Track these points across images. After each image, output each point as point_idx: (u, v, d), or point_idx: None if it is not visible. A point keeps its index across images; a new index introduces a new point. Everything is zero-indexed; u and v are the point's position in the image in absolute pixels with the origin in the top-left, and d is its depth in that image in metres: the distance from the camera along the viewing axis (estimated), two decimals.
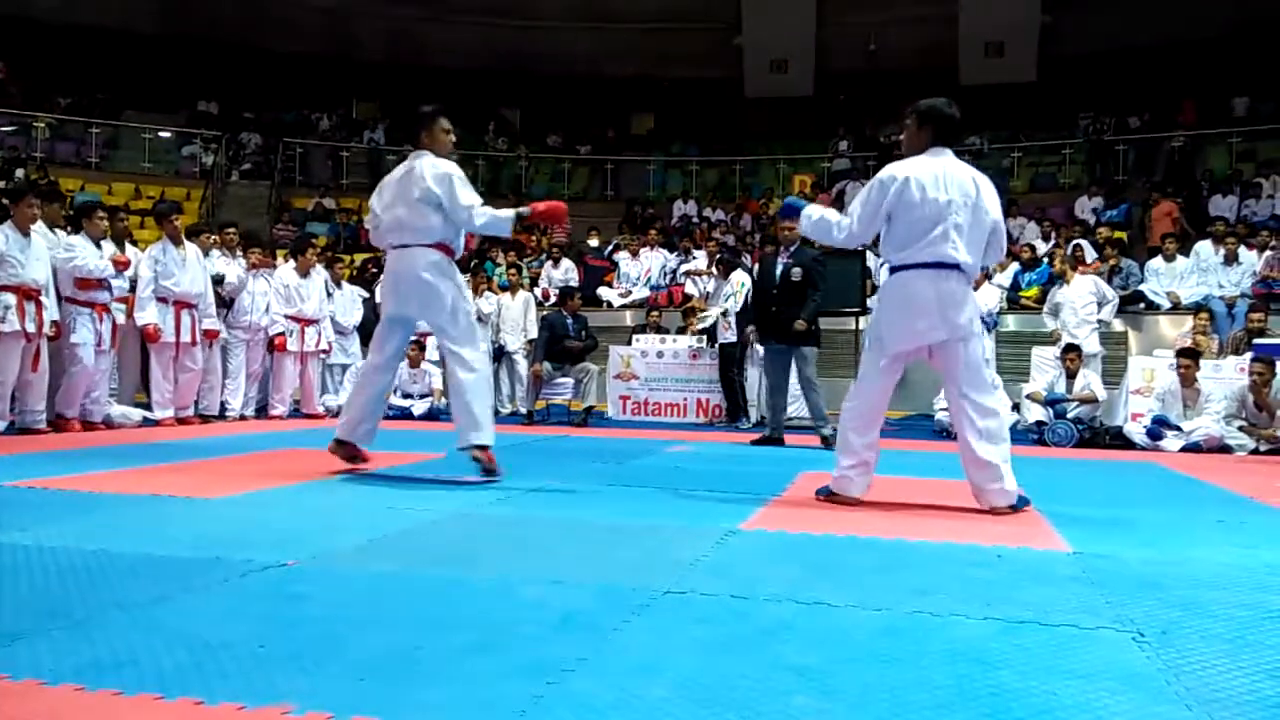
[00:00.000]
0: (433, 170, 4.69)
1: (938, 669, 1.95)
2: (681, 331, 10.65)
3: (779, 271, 7.27)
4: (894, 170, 4.13)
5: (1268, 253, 10.87)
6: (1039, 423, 8.29)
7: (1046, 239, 13.48)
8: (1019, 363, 10.08)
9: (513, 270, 11.36)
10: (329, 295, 9.47)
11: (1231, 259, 10.94)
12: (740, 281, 9.34)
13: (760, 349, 9.72)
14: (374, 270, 11.81)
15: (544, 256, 14.24)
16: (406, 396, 9.51)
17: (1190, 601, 2.55)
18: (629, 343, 10.51)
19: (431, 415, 9.21)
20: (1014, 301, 11.92)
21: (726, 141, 19.79)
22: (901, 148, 4.40)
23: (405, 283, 4.75)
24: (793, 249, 7.29)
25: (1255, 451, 7.37)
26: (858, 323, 10.03)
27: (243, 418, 8.56)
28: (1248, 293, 10.44)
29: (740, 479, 5.17)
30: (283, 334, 8.87)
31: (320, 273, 9.42)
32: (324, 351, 9.36)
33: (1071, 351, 8.55)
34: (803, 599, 2.49)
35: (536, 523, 3.67)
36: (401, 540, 3.28)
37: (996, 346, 9.80)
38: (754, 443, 7.33)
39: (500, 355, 10.61)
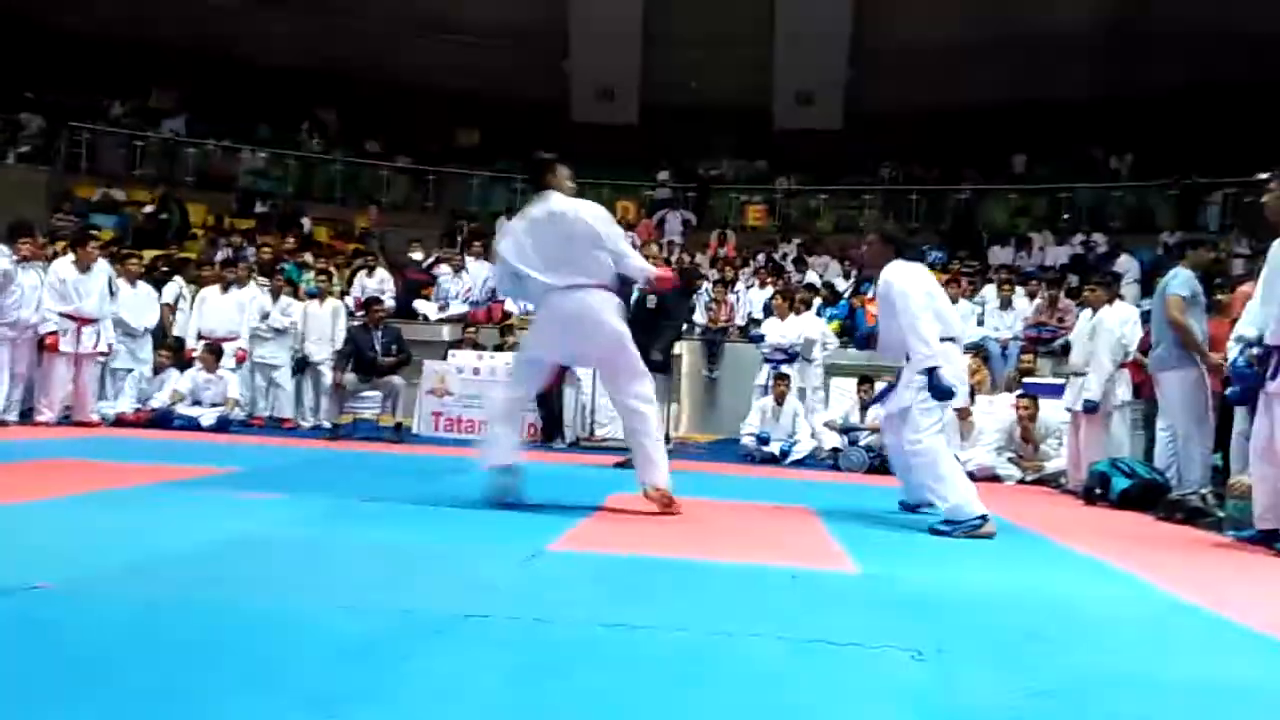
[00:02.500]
0: (591, 211, 4.67)
1: (733, 690, 1.98)
2: (499, 348, 10.51)
3: (634, 298, 7.35)
4: None
5: (1038, 300, 11.98)
6: (834, 449, 8.73)
7: (846, 277, 14.30)
8: (818, 392, 10.59)
9: (322, 277, 10.86)
10: (112, 293, 8.69)
11: (1006, 304, 11.98)
12: None
13: (578, 370, 9.74)
14: (164, 269, 10.98)
15: (359, 265, 13.73)
16: (196, 404, 8.87)
17: (963, 622, 2.73)
18: (445, 358, 10.27)
19: (221, 426, 8.62)
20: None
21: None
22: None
23: (586, 323, 4.59)
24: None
25: (1022, 481, 8.05)
26: (674, 347, 10.27)
27: (3, 423, 7.69)
28: (1019, 335, 11.46)
29: (552, 499, 5.12)
30: (55, 333, 8.07)
31: (104, 268, 8.64)
32: (103, 354, 8.58)
33: (865, 383, 9.08)
34: (606, 621, 2.47)
35: (331, 544, 3.49)
36: (178, 563, 3.02)
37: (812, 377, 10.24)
38: (616, 465, 7.22)
39: (304, 366, 10.10)
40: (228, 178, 18.09)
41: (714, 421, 11.80)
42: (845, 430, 8.89)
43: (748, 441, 9.03)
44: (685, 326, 11.41)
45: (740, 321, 12.64)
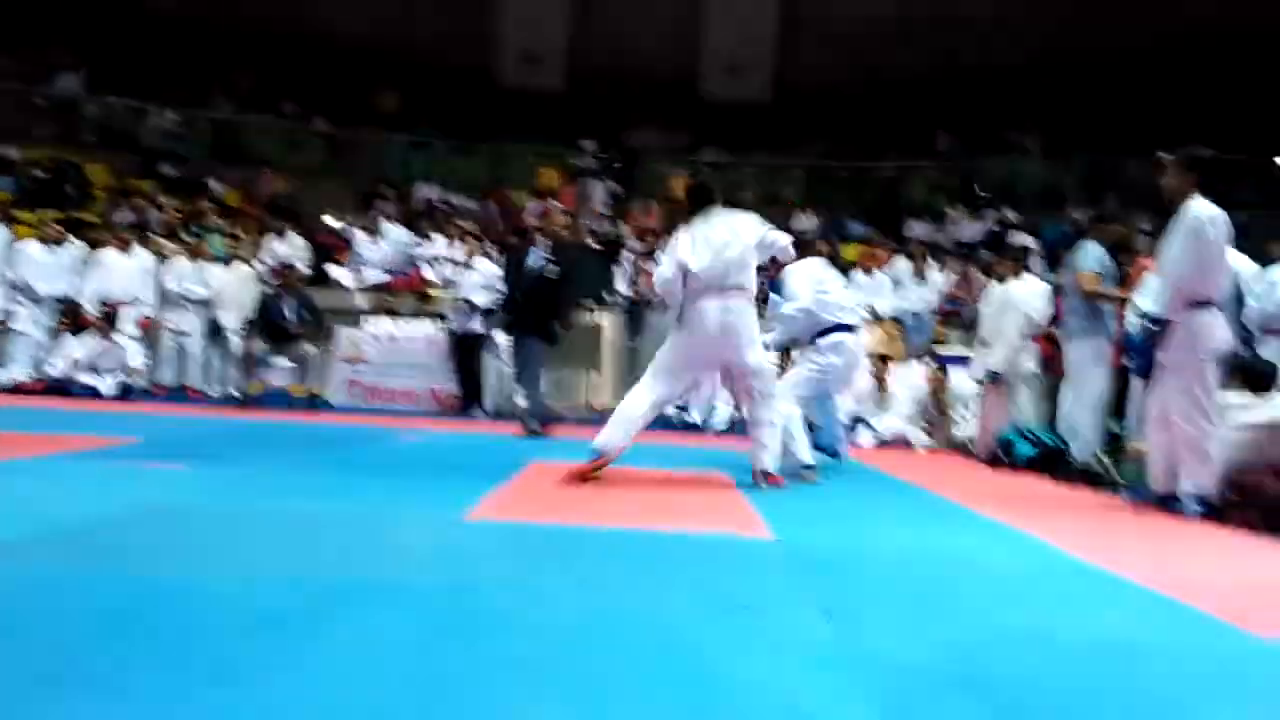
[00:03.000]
0: (760, 228, 5.14)
1: (650, 654, 2.00)
2: (417, 316, 10.34)
3: (537, 267, 7.31)
4: None
5: (951, 273, 12.30)
6: None
7: None
8: None
9: (233, 241, 10.50)
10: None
11: (922, 277, 12.27)
12: None
13: (500, 340, 9.66)
14: (60, 231, 10.45)
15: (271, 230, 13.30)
16: (92, 370, 8.51)
17: (873, 583, 2.80)
18: (359, 325, 10.05)
19: (123, 395, 8.29)
20: None
21: (477, 129, 19.47)
22: None
23: (733, 330, 4.87)
24: (549, 245, 7.43)
25: (933, 447, 8.29)
26: (595, 316, 10.26)
27: None
28: (934, 307, 11.76)
29: (472, 468, 5.10)
30: None
31: None
32: None
33: (783, 353, 9.20)
34: (523, 589, 2.47)
35: (241, 515, 3.39)
36: (78, 535, 2.90)
37: None
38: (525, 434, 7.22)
39: (215, 332, 9.78)
40: (132, 137, 17.30)
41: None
42: None
43: (669, 410, 9.08)
44: (608, 297, 11.38)
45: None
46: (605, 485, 4.74)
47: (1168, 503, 4.69)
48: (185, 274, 9.73)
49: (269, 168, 17.20)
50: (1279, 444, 4.57)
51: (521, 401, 7.53)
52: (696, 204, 5.33)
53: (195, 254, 9.95)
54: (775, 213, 17.52)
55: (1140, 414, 5.55)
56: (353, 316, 10.85)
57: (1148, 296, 5.64)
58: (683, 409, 9.00)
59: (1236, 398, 4.74)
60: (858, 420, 8.48)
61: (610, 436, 4.80)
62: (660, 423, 9.00)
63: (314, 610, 2.17)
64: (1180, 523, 4.44)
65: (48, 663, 1.75)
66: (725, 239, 4.95)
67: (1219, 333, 4.65)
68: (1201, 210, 4.59)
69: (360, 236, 13.43)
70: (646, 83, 19.27)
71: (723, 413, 9.04)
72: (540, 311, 7.22)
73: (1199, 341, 4.58)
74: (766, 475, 4.88)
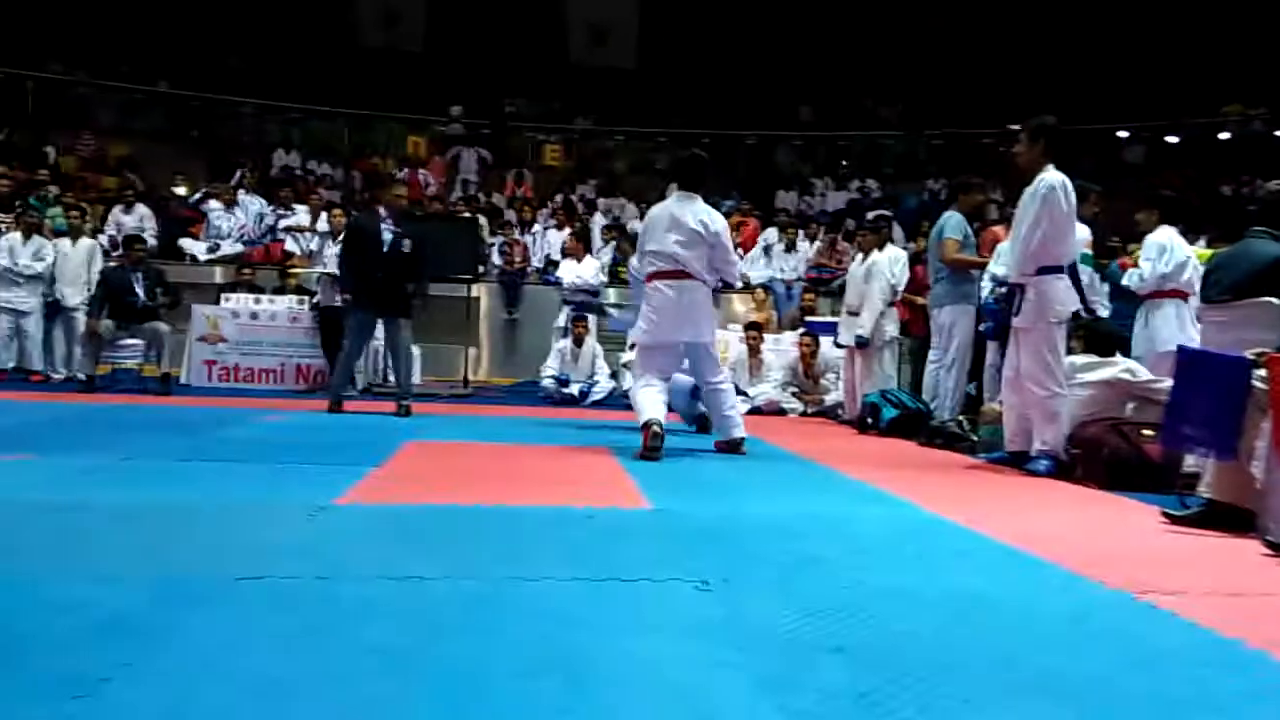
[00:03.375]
0: (712, 216, 5.27)
1: (524, 635, 1.97)
2: (279, 291, 9.89)
3: (388, 240, 7.02)
4: None
5: (819, 243, 12.63)
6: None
7: (642, 219, 14.48)
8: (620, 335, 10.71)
9: (74, 213, 9.77)
10: None
11: (791, 247, 12.55)
12: None
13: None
14: None
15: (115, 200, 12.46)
16: None
17: (747, 551, 2.85)
18: (217, 301, 9.55)
19: None
20: (615, 276, 12.66)
21: (336, 92, 18.67)
22: None
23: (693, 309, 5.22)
24: (397, 218, 7.20)
25: (804, 413, 8.53)
26: (469, 289, 10.05)
27: None
28: (802, 277, 12.06)
29: (340, 450, 4.92)
30: None
31: None
32: None
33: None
34: (395, 575, 2.39)
35: (88, 509, 3.16)
36: None
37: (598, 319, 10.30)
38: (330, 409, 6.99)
39: (56, 311, 9.10)
40: None
41: (513, 364, 11.71)
42: None
43: (548, 384, 9.04)
44: (481, 269, 11.17)
45: (538, 263, 12.53)
46: (483, 462, 4.67)
47: (1021, 461, 4.97)
48: (18, 248, 9.00)
49: (86, 132, 16.07)
50: (1116, 402, 4.91)
51: (391, 378, 7.38)
52: (686, 179, 5.38)
53: (31, 227, 9.20)
54: (647, 182, 17.61)
55: (995, 377, 5.86)
56: (209, 292, 10.31)
57: (1000, 263, 5.94)
58: (563, 382, 8.96)
59: (1081, 359, 5.04)
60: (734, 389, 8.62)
61: (651, 409, 5.01)
62: (539, 397, 8.98)
63: (168, 611, 2.04)
64: (1032, 480, 4.71)
65: None
66: (695, 226, 5.14)
67: (1066, 297, 4.93)
68: (1052, 178, 4.84)
69: (214, 206, 12.73)
70: (513, 45, 18.90)
71: (603, 385, 9.05)
72: (396, 288, 7.01)
73: (1047, 306, 4.84)
74: (737, 444, 5.34)
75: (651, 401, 5.07)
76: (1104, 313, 6.22)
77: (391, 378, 9.52)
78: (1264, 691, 1.79)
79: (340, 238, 8.98)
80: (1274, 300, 3.84)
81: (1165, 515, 3.57)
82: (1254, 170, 14.67)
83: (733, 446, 5.41)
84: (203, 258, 11.99)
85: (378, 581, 2.34)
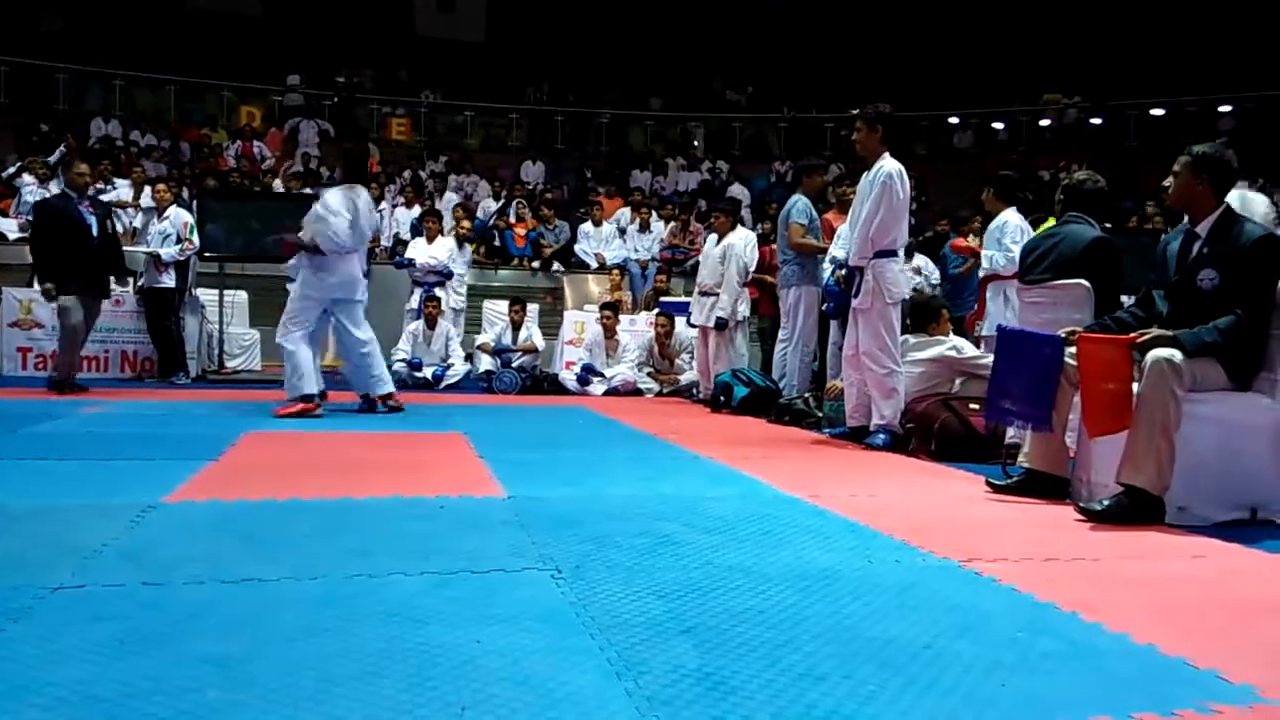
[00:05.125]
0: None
1: (369, 634, 1.91)
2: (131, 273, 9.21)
3: (93, 223, 7.24)
4: None
5: (672, 223, 12.79)
6: (488, 372, 8.78)
7: (497, 198, 14.26)
8: (474, 314, 10.54)
9: None
10: None
11: (645, 227, 12.66)
12: None
13: (202, 296, 8.92)
14: None
15: None
16: None
17: (601, 535, 2.86)
18: (31, 284, 8.80)
19: None
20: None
21: (162, 58, 17.47)
22: None
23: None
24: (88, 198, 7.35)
25: (660, 393, 8.65)
26: None
27: None
28: (656, 257, 12.19)
29: (172, 442, 4.64)
30: None
31: None
32: None
33: (517, 305, 9.18)
34: (230, 577, 2.28)
35: None
36: None
37: (464, 300, 10.09)
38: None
39: None
40: None
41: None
42: (498, 352, 8.96)
43: (399, 367, 8.79)
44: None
45: (386, 242, 12.16)
46: (329, 452, 4.50)
47: (861, 435, 5.20)
48: None
49: None
50: (945, 378, 5.20)
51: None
52: (352, 173, 6.47)
53: None
54: (500, 159, 17.35)
55: (837, 355, 6.10)
56: (21, 274, 9.49)
57: (839, 246, 6.17)
58: (415, 365, 8.75)
59: (914, 338, 5.32)
60: (588, 369, 8.66)
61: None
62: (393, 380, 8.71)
63: None
64: (871, 454, 4.95)
65: None
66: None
67: (901, 279, 5.18)
68: (890, 166, 5.06)
69: (27, 180, 11.70)
70: (355, 12, 18.16)
71: (457, 368, 8.89)
72: (103, 266, 7.21)
73: (884, 287, 5.07)
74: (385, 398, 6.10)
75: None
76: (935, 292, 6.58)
77: (229, 363, 9.08)
78: (1075, 651, 1.94)
79: (163, 214, 8.45)
80: (1084, 283, 4.15)
81: (989, 485, 3.82)
82: (1069, 155, 15.82)
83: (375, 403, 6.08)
84: (13, 236, 11.03)
85: (211, 585, 2.22)
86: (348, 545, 2.66)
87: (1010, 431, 4.33)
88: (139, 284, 8.70)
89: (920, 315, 5.44)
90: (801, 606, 2.18)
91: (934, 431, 4.80)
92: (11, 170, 12.34)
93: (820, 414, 6.05)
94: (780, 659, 1.83)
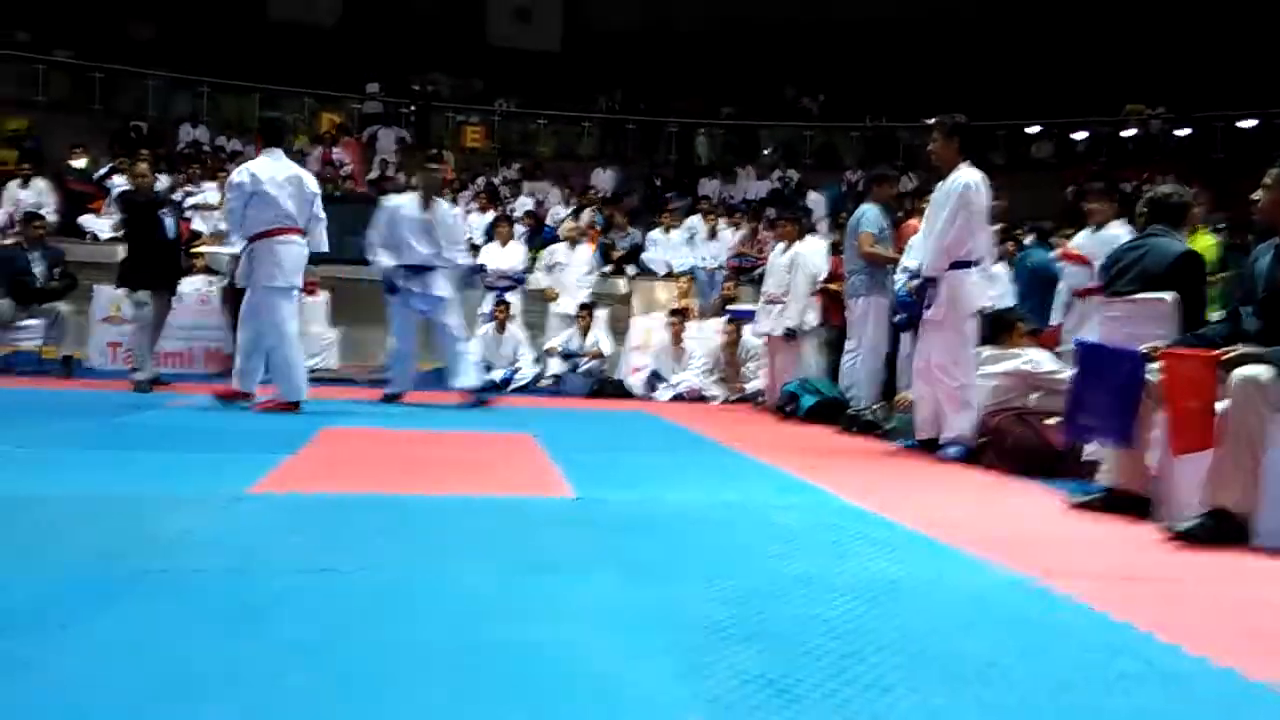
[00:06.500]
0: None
1: (442, 627, 1.96)
2: (187, 272, 9.55)
3: (170, 226, 7.57)
4: None
5: (741, 230, 12.76)
6: (556, 375, 8.88)
7: (567, 204, 14.40)
8: (541, 319, 10.64)
9: None
10: None
11: (713, 234, 12.65)
12: None
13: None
14: None
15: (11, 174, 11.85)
16: None
17: (667, 539, 2.88)
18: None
19: None
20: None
21: (245, 66, 18.06)
22: None
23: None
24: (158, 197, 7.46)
25: (726, 400, 8.63)
26: None
27: None
28: (724, 264, 12.17)
29: (253, 436, 4.80)
30: None
31: None
32: None
33: (584, 310, 9.26)
34: (308, 567, 2.35)
35: None
36: None
37: (523, 304, 10.22)
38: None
39: None
40: None
41: (434, 349, 11.53)
42: (566, 356, 9.05)
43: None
44: None
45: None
46: (402, 449, 4.61)
47: (932, 448, 5.12)
48: None
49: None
50: (1021, 392, 5.09)
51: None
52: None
53: None
54: (572, 166, 17.52)
55: (908, 367, 6.01)
56: (112, 272, 9.90)
57: (913, 256, 6.09)
58: (486, 368, 8.88)
59: (988, 350, 5.22)
60: (655, 375, 8.69)
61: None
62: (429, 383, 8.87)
63: (69, 606, 1.97)
64: (942, 466, 4.87)
65: None
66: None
67: (979, 291, 5.09)
68: (968, 176, 4.98)
69: (119, 182, 12.21)
70: (430, 22, 18.51)
71: (526, 371, 9.00)
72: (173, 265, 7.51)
73: (961, 299, 4.99)
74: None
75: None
76: (1010, 303, 6.43)
77: (311, 362, 9.32)
78: (1149, 673, 1.89)
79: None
80: (1165, 297, 4.03)
81: (1066, 501, 3.73)
82: (1153, 167, 15.34)
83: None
84: (104, 236, 11.51)
85: (290, 574, 2.30)
86: (420, 541, 2.72)
87: (1089, 447, 4.23)
88: (225, 283, 9.00)
89: (996, 327, 5.33)
90: (868, 617, 2.16)
91: (1008, 446, 4.71)
92: (103, 171, 12.88)
93: (890, 425, 5.97)
94: (846, 669, 1.81)
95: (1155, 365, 3.41)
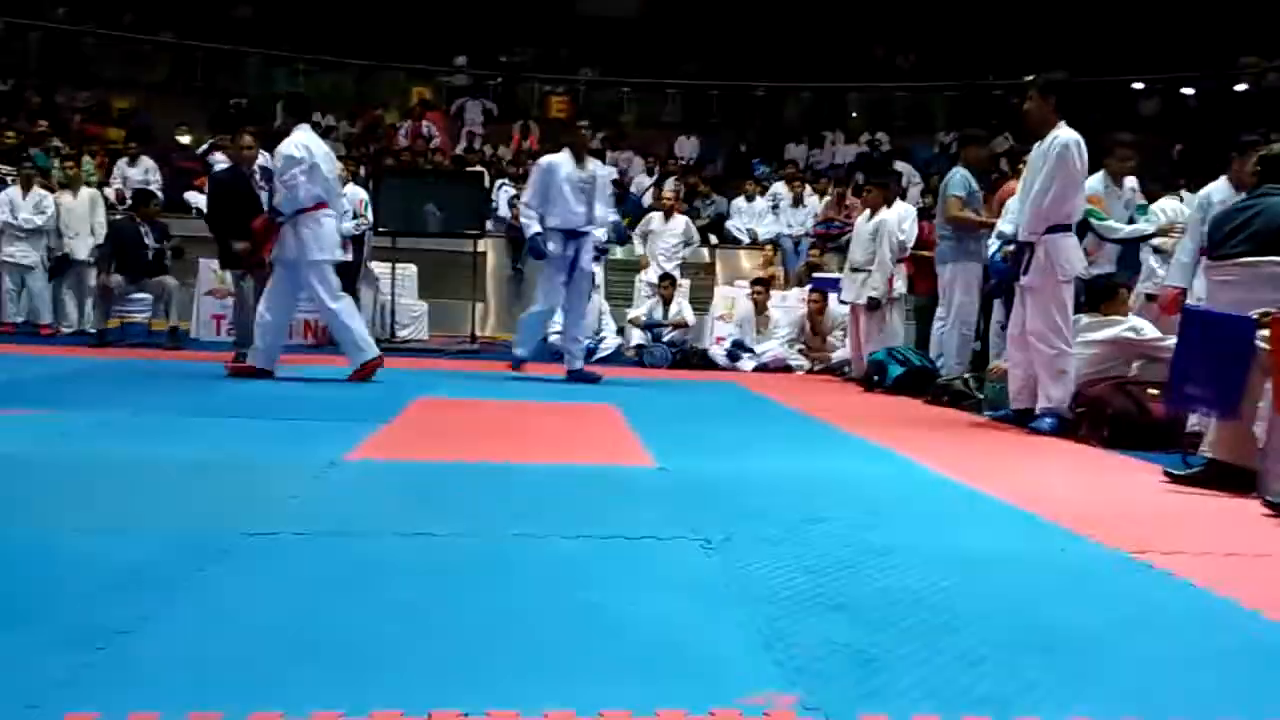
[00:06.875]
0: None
1: (530, 591, 2.01)
2: None
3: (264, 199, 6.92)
4: None
5: (827, 197, 12.54)
6: (639, 346, 8.92)
7: (650, 174, 14.36)
8: (625, 289, 10.70)
9: (71, 163, 9.74)
10: None
11: (799, 201, 12.47)
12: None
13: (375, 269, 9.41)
14: None
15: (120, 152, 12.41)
16: None
17: (750, 509, 2.88)
18: None
19: None
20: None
21: (341, 42, 18.45)
22: None
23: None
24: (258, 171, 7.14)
25: (811, 370, 8.55)
26: (475, 244, 10.02)
27: None
28: (810, 232, 11.99)
29: (351, 405, 4.97)
30: None
31: None
32: None
33: (666, 280, 9.26)
34: (405, 531, 2.43)
35: (100, 463, 3.22)
36: None
37: (606, 274, 10.27)
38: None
39: (65, 265, 9.12)
40: None
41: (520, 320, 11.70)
42: (649, 326, 9.07)
43: (554, 339, 9.04)
44: (489, 223, 11.13)
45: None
46: (491, 418, 4.71)
47: (1026, 418, 4.98)
48: (19, 202, 9.00)
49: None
50: (1121, 361, 4.91)
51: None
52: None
53: (30, 180, 9.19)
54: (655, 135, 17.42)
55: (1001, 335, 5.85)
56: (213, 246, 10.30)
57: (1008, 220, 5.89)
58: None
59: (1087, 318, 5.04)
60: (738, 345, 8.65)
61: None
62: (545, 353, 8.99)
63: (182, 564, 2.09)
64: (1036, 438, 4.74)
65: None
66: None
67: (1075, 256, 4.91)
68: (1065, 136, 4.79)
69: (219, 158, 12.66)
70: None
71: (609, 341, 9.07)
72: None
73: (1057, 264, 4.82)
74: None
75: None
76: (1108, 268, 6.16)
77: (400, 332, 9.58)
78: (1253, 649, 1.83)
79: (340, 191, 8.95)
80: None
81: (1167, 474, 3.60)
82: (1270, 124, 14.44)
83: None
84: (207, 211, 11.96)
85: (388, 537, 2.39)
86: (509, 507, 2.79)
87: (1192, 419, 4.06)
88: None
89: (1096, 294, 5.14)
90: (958, 590, 2.13)
91: (1107, 417, 4.55)
92: (204, 148, 13.36)
93: (981, 395, 5.83)
94: (934, 640, 1.80)
95: (1264, 332, 3.25)
